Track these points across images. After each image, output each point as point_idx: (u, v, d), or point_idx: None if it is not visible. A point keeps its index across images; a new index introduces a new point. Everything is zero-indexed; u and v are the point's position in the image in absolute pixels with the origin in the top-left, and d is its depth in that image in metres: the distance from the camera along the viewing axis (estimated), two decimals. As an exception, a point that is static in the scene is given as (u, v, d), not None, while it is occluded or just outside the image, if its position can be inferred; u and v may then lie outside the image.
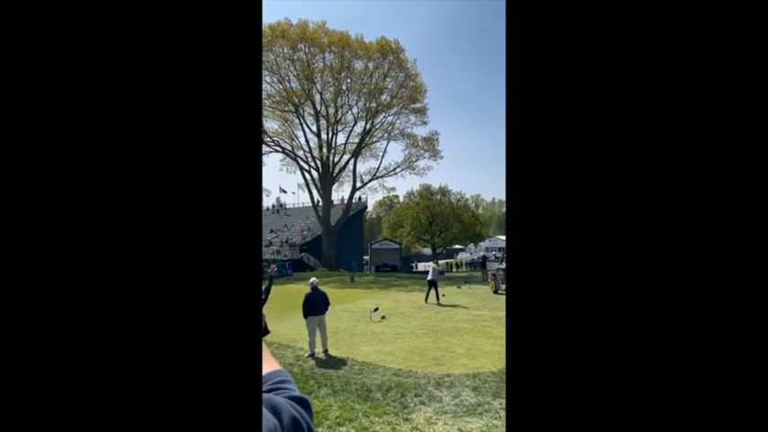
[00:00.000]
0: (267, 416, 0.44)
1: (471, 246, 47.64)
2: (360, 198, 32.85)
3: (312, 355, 6.18)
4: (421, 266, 28.19)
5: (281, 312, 9.34)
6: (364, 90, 25.38)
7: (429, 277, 10.95)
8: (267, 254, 27.13)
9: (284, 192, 39.14)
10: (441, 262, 19.24)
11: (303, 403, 0.50)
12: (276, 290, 12.96)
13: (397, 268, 24.34)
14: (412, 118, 26.37)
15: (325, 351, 6.35)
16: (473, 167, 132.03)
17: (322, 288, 6.57)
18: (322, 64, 24.97)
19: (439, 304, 10.51)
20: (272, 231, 32.43)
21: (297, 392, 0.51)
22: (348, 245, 29.94)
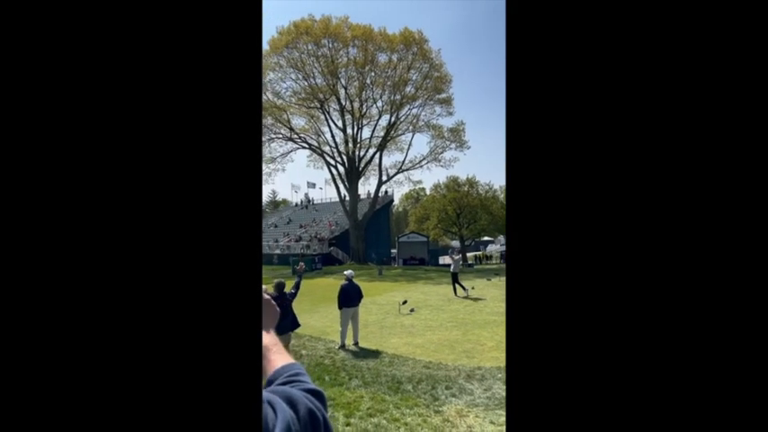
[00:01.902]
0: (283, 408, 0.45)
1: (501, 237, 46.78)
2: (386, 192, 32.90)
3: (343, 347, 6.29)
4: (444, 260, 28.02)
5: (312, 305, 9.54)
6: (388, 83, 25.25)
7: (452, 269, 10.95)
8: (297, 248, 27.70)
9: (312, 187, 39.72)
10: (468, 254, 18.99)
11: (318, 395, 0.51)
12: (306, 283, 13.22)
13: (424, 261, 24.27)
14: (437, 109, 26.06)
15: (356, 343, 6.43)
16: (502, 157, 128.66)
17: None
18: (346, 59, 25.02)
19: (456, 296, 10.44)
20: (301, 227, 33.03)
21: (312, 385, 0.52)
22: (375, 238, 30.10)
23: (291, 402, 0.47)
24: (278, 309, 0.68)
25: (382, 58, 25.21)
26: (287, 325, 4.74)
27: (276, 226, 36.36)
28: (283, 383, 0.52)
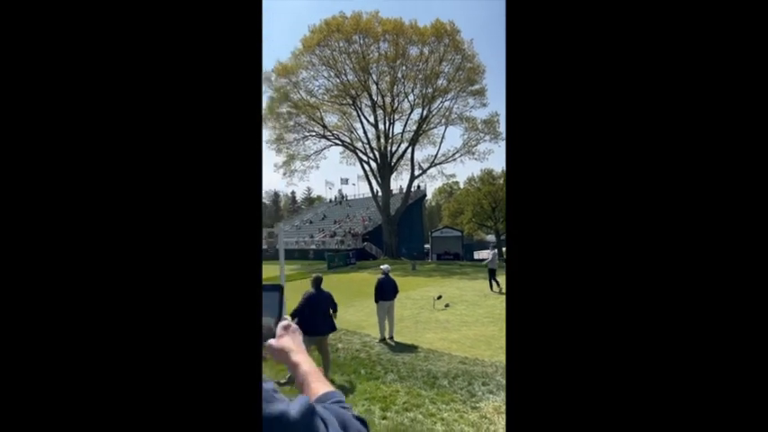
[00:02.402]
0: (336, 428, 0.49)
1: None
2: (419, 186, 32.73)
3: (383, 340, 6.35)
4: (479, 255, 27.47)
5: (347, 299, 9.69)
6: (420, 76, 25.02)
7: (489, 265, 10.75)
8: (332, 244, 28.19)
9: (345, 183, 40.20)
10: (504, 249, 18.55)
11: (364, 424, 0.53)
12: (341, 278, 13.42)
13: (459, 256, 23.96)
14: (470, 101, 25.54)
15: (391, 337, 6.47)
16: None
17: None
18: (377, 54, 25.01)
19: (492, 291, 10.23)
20: (335, 222, 33.56)
21: (356, 413, 0.54)
22: (408, 233, 30.06)
23: (344, 425, 0.50)
24: (300, 332, 0.68)
25: (413, 51, 25.00)
26: (322, 325, 4.75)
27: (311, 222, 37.14)
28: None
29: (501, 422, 3.53)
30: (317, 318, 4.68)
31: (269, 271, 15.64)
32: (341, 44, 24.60)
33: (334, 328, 4.90)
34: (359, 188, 39.61)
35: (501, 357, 5.33)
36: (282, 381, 4.24)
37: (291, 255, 25.45)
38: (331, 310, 4.81)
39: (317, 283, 4.88)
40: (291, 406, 0.48)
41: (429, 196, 36.44)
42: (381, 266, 6.92)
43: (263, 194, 74.10)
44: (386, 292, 6.40)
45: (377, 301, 6.43)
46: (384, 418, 3.67)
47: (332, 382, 4.62)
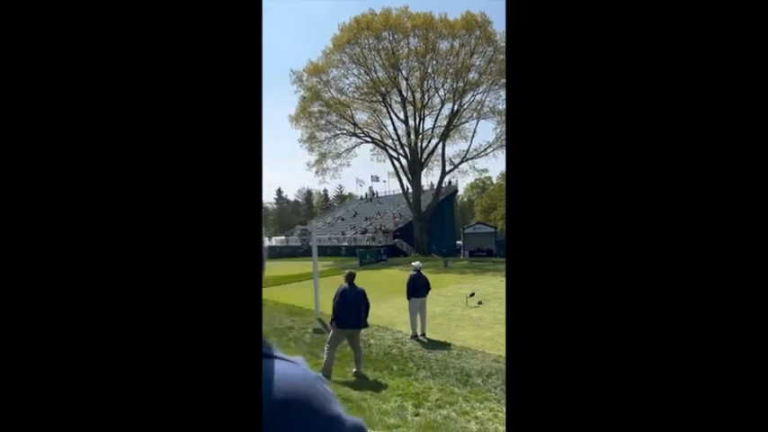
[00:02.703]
0: None
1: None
2: (450, 182, 32.31)
3: (414, 337, 6.34)
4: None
5: (379, 296, 9.73)
6: (450, 70, 24.65)
7: None
8: (363, 240, 28.42)
9: (376, 180, 40.37)
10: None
11: None
12: (373, 275, 13.51)
13: (492, 253, 23.48)
14: (503, 93, 24.84)
15: (423, 334, 6.44)
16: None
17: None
18: (406, 49, 24.87)
19: None
20: (366, 219, 33.81)
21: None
22: (440, 230, 29.78)
23: None
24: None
25: (443, 45, 24.67)
26: (354, 320, 4.80)
27: (343, 219, 37.61)
28: None
29: (538, 423, 3.43)
30: (349, 312, 4.75)
31: (303, 267, 15.99)
32: (370, 41, 24.65)
33: (366, 324, 4.94)
34: (389, 185, 39.70)
35: (537, 356, 5.18)
36: None
37: (324, 251, 25.87)
38: (363, 308, 4.85)
39: (350, 278, 4.95)
40: (347, 416, 0.51)
41: (461, 192, 35.88)
42: (413, 263, 6.90)
43: (297, 192, 75.78)
44: (418, 288, 6.38)
45: (409, 297, 6.42)
46: (417, 414, 3.65)
47: (363, 377, 4.67)
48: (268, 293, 9.72)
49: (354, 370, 4.77)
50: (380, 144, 27.05)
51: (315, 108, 26.24)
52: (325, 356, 4.76)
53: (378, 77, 25.42)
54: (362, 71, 25.60)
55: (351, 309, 4.77)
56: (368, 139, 27.21)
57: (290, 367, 0.52)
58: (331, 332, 4.89)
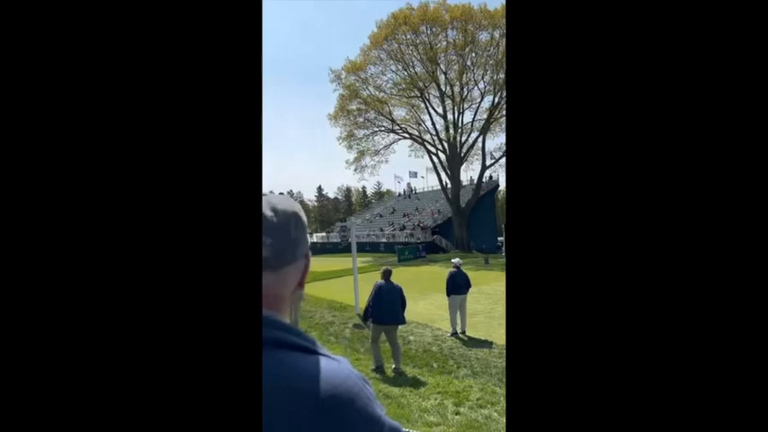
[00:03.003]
0: None
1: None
2: (490, 177, 31.53)
3: (454, 334, 6.26)
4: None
5: (419, 292, 9.69)
6: (491, 62, 23.95)
7: None
8: (401, 237, 28.43)
9: (414, 176, 40.19)
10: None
11: None
12: (412, 271, 13.49)
13: (535, 250, 22.59)
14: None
15: (464, 332, 6.34)
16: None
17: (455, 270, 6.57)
18: (445, 43, 24.47)
19: None
20: (404, 216, 33.78)
21: None
22: (480, 226, 29.13)
23: None
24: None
25: (483, 36, 23.99)
26: (390, 316, 4.81)
27: (381, 216, 37.81)
28: None
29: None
30: (384, 308, 4.77)
31: (343, 263, 16.27)
32: (408, 36, 24.48)
33: (403, 321, 4.93)
34: (428, 181, 39.38)
35: (585, 359, 4.93)
36: None
37: (363, 248, 26.18)
38: (399, 304, 4.85)
39: (386, 275, 4.97)
40: (387, 419, 0.51)
41: (502, 187, 34.82)
42: (452, 260, 6.81)
43: (336, 190, 77.15)
44: (458, 285, 6.29)
45: (449, 294, 6.35)
46: (457, 413, 3.60)
47: (402, 373, 4.67)
48: (309, 288, 9.98)
49: (393, 366, 4.79)
50: (419, 140, 26.86)
51: (353, 106, 26.51)
52: (372, 354, 4.83)
53: (416, 72, 25.22)
54: (400, 67, 25.52)
55: (387, 305, 4.79)
56: (406, 135, 27.11)
57: (335, 365, 0.52)
58: (371, 328, 4.95)
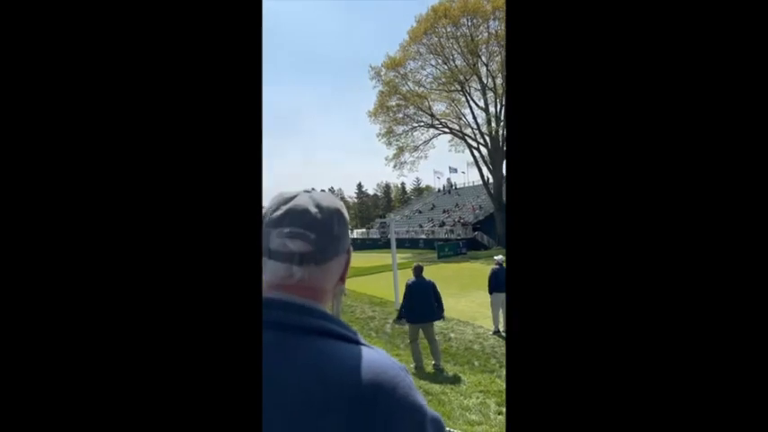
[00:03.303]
0: None
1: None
2: (535, 171, 30.27)
3: (497, 332, 6.13)
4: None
5: (460, 290, 9.55)
6: (535, 51, 22.93)
7: None
8: (441, 233, 28.14)
9: (454, 172, 39.57)
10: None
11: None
12: (452, 268, 13.34)
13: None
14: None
15: (506, 330, 6.18)
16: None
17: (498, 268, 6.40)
18: (486, 34, 23.79)
19: None
20: (444, 212, 33.38)
21: None
22: (524, 222, 28.09)
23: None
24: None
25: (527, 24, 22.98)
26: (424, 312, 4.78)
27: (420, 212, 37.62)
28: None
29: None
30: (416, 305, 4.73)
31: (382, 259, 16.38)
32: (448, 29, 24.06)
33: (439, 317, 4.87)
34: (469, 176, 38.62)
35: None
36: None
37: (402, 244, 26.18)
38: (433, 300, 4.78)
39: (416, 271, 4.92)
40: (429, 409, 0.51)
41: (547, 182, 33.34)
42: (495, 257, 6.66)
43: (376, 186, 77.69)
44: (500, 282, 6.13)
45: (490, 292, 6.21)
46: (500, 413, 3.52)
47: (443, 370, 4.63)
48: (349, 284, 10.14)
49: (434, 362, 4.76)
50: (459, 134, 26.39)
51: (392, 102, 26.50)
52: (412, 352, 4.83)
53: (456, 66, 24.75)
54: (440, 61, 25.15)
55: (418, 302, 4.74)
56: (446, 129, 26.72)
57: (377, 354, 0.52)
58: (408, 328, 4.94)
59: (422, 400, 0.51)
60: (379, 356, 0.52)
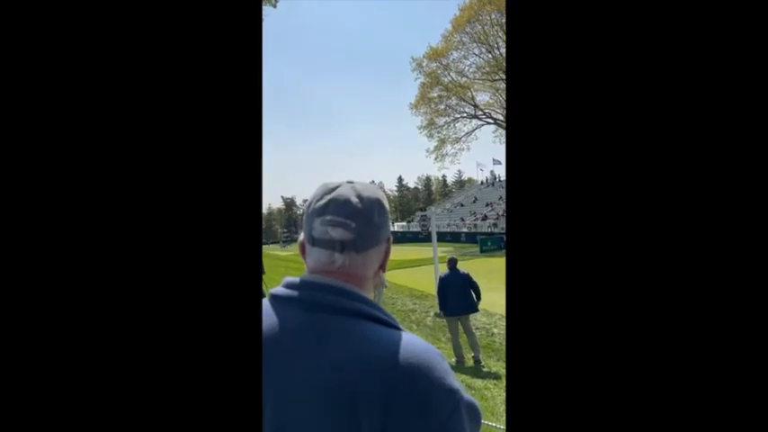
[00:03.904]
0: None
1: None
2: (585, 162, 28.73)
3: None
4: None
5: (502, 284, 9.32)
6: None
7: None
8: (484, 227, 27.51)
9: (498, 164, 38.44)
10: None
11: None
12: (495, 262, 13.03)
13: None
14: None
15: (506, 330, 5.94)
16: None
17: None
18: (533, 18, 22.70)
19: None
20: (487, 205, 32.58)
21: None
22: (572, 216, 26.82)
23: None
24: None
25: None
26: (459, 305, 4.69)
27: (462, 205, 36.99)
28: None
29: None
30: (450, 298, 4.68)
31: (423, 253, 16.32)
32: (493, 16, 23.26)
33: (474, 309, 4.78)
34: (513, 168, 37.22)
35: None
36: None
37: (443, 237, 25.93)
38: (470, 292, 4.69)
39: (451, 264, 4.85)
40: (465, 395, 0.51)
41: (598, 173, 31.51)
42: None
43: (416, 179, 77.26)
44: (456, 294, 5.84)
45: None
46: (545, 412, 3.41)
47: (480, 363, 4.54)
48: (389, 276, 10.22)
49: (473, 355, 4.69)
50: (503, 125, 25.55)
51: (434, 93, 26.16)
52: (453, 347, 4.81)
53: (501, 54, 23.90)
54: (484, 49, 24.41)
55: (453, 294, 4.68)
56: (489, 120, 26.00)
57: (416, 339, 0.53)
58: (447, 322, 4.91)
59: (458, 384, 0.51)
60: (418, 340, 0.52)
